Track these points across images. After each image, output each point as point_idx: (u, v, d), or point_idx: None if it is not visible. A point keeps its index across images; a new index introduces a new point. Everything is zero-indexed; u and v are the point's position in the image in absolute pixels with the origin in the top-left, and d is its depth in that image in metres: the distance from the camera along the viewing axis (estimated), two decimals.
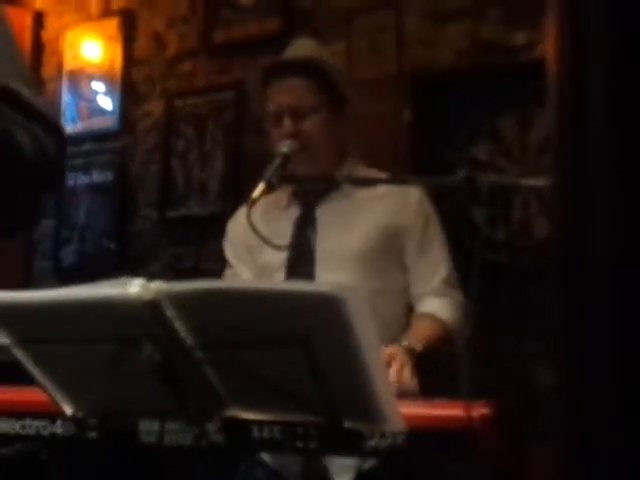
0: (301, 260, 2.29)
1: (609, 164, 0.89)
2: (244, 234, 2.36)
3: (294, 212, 2.38)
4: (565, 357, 0.92)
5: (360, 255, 2.25)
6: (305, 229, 2.32)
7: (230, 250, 2.47)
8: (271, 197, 2.41)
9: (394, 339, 2.13)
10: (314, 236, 2.31)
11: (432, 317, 2.24)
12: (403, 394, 1.83)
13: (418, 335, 2.13)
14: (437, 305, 2.25)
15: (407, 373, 1.94)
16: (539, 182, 2.04)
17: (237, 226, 2.45)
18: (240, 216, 2.43)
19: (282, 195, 2.42)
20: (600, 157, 0.88)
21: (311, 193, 2.38)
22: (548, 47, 0.96)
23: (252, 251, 2.38)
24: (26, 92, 1.53)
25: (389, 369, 1.93)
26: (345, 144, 2.42)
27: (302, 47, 2.44)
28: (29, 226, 1.63)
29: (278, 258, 2.30)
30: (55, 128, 1.59)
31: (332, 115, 2.35)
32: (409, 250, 2.30)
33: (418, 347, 2.07)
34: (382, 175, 2.39)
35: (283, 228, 2.33)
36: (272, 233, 2.20)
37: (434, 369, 2.03)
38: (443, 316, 2.23)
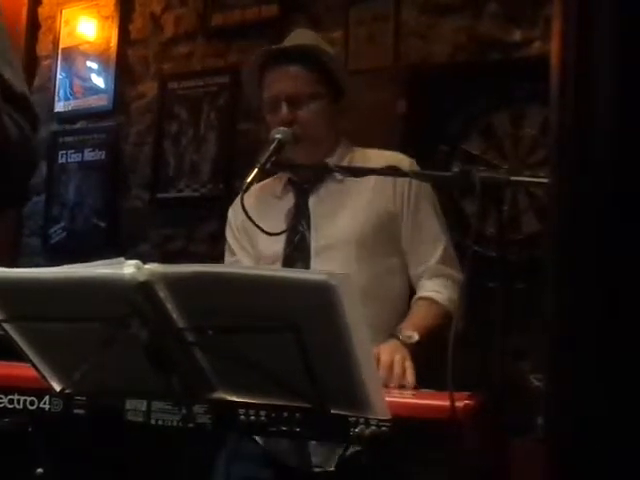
0: (297, 250, 2.29)
1: (612, 166, 0.90)
2: (244, 221, 2.37)
3: (288, 201, 2.38)
4: (557, 355, 0.94)
5: (355, 241, 2.25)
6: (299, 218, 2.32)
7: (231, 237, 2.44)
8: (266, 185, 2.41)
9: (395, 322, 2.15)
10: (309, 225, 2.31)
11: (430, 301, 2.24)
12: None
13: (416, 323, 2.13)
14: (435, 287, 2.25)
15: (410, 376, 1.94)
16: (535, 178, 2.06)
17: (237, 213, 2.44)
18: (239, 203, 2.44)
19: (277, 183, 2.42)
20: (603, 159, 0.90)
21: (305, 181, 2.38)
22: (552, 47, 0.98)
23: (251, 238, 2.38)
24: (8, 73, 1.55)
25: (391, 371, 1.93)
26: (338, 132, 2.43)
27: (301, 36, 2.44)
28: (19, 204, 1.72)
29: (274, 249, 2.30)
30: (31, 111, 1.63)
31: (329, 104, 2.35)
32: (404, 232, 2.30)
33: (415, 338, 2.07)
34: (375, 154, 2.39)
35: (277, 216, 2.32)
36: (266, 221, 2.20)
37: (421, 361, 2.04)
38: (441, 299, 2.23)
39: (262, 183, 2.38)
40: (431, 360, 1.99)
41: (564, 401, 0.94)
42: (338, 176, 2.33)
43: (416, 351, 2.05)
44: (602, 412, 0.90)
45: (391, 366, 1.93)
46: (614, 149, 0.93)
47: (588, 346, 0.91)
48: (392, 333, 2.09)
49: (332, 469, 2.05)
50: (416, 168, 2.33)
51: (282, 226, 2.30)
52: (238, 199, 2.45)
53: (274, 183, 2.42)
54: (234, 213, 2.46)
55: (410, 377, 1.92)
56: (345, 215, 2.30)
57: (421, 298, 2.25)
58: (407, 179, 2.30)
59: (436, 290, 2.24)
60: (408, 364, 1.95)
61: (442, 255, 2.28)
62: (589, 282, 0.92)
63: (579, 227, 0.93)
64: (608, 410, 0.90)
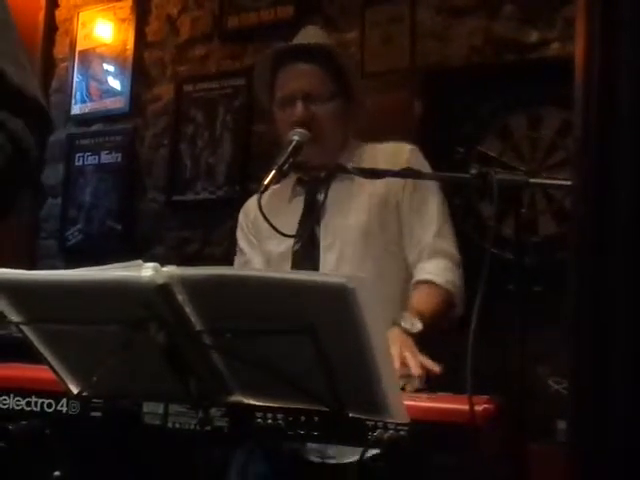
0: (306, 247, 2.31)
1: (636, 167, 0.89)
2: (254, 222, 2.40)
3: (298, 203, 2.39)
4: (581, 358, 0.93)
5: (361, 231, 2.26)
6: (309, 216, 2.33)
7: (242, 237, 2.49)
8: (274, 190, 2.42)
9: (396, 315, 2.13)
10: (318, 222, 2.32)
11: (430, 285, 2.22)
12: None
13: (419, 310, 2.12)
14: (433, 269, 2.24)
15: (414, 368, 1.91)
16: (554, 181, 2.05)
17: (248, 214, 2.48)
18: (250, 204, 2.48)
19: (285, 188, 2.43)
20: (627, 161, 0.89)
21: (315, 180, 2.39)
22: (576, 49, 0.97)
23: (261, 237, 2.40)
24: (12, 72, 1.52)
25: (404, 366, 1.90)
26: (348, 132, 2.43)
27: (313, 35, 2.44)
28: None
29: (283, 247, 2.32)
30: (41, 115, 1.59)
31: (343, 105, 2.35)
32: (403, 212, 2.30)
33: (419, 327, 2.06)
34: (381, 148, 2.39)
35: (288, 219, 2.33)
36: (278, 225, 2.20)
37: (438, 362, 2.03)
38: (440, 282, 2.22)
39: (270, 191, 2.38)
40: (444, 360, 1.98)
41: (587, 405, 0.94)
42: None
43: (419, 339, 2.03)
44: (626, 416, 0.89)
45: (404, 363, 1.90)
46: (638, 151, 0.92)
47: (612, 349, 0.90)
48: (394, 320, 2.07)
49: (349, 461, 2.02)
50: (417, 153, 2.34)
51: (293, 227, 2.32)
52: (248, 202, 2.48)
53: (282, 189, 2.42)
54: (245, 214, 2.49)
55: (428, 365, 1.90)
56: (353, 211, 2.30)
57: (420, 282, 2.24)
58: (407, 155, 2.32)
59: (434, 272, 2.23)
60: (421, 359, 1.92)
61: (437, 231, 2.28)
62: (614, 284, 0.91)
63: (603, 229, 0.92)
64: (632, 414, 0.89)
